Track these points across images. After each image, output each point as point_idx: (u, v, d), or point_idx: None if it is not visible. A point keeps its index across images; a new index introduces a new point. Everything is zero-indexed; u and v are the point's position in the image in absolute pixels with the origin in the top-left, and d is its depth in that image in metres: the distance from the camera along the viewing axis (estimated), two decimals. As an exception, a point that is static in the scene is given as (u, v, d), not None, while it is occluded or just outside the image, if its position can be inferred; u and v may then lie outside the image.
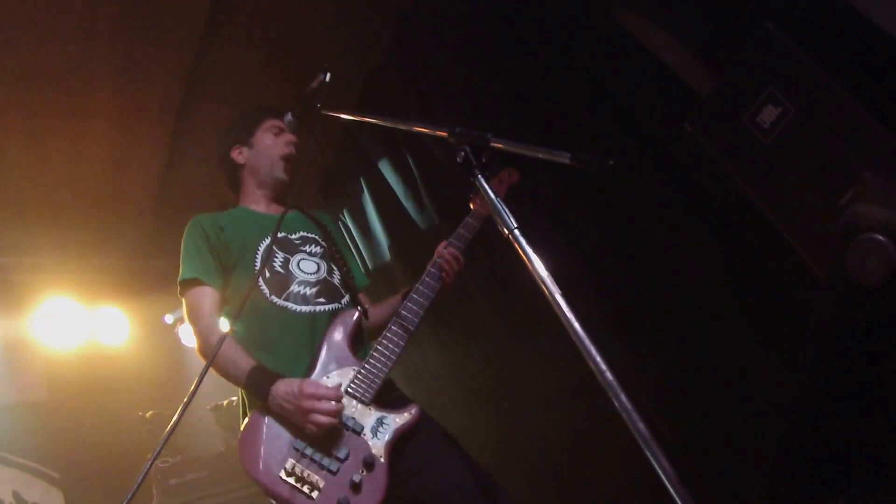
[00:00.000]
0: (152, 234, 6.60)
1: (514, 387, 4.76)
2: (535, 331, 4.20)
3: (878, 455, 1.78)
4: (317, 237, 3.27)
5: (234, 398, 6.28)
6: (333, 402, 2.55)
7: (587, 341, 1.82)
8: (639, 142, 3.41)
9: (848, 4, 2.75)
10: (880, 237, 1.72)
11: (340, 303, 3.05)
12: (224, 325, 3.01)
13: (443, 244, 3.11)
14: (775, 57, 2.79)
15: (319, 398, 2.55)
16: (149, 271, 7.17)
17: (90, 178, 5.59)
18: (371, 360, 2.77)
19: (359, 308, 3.04)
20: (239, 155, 3.37)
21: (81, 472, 6.56)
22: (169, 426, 2.34)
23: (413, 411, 2.76)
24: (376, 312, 3.22)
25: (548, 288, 1.92)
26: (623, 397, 1.72)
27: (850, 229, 1.85)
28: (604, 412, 1.88)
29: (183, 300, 3.01)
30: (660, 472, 1.63)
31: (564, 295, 1.90)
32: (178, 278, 3.00)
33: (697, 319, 3.29)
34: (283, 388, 2.60)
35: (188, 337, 8.22)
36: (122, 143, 5.33)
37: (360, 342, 3.02)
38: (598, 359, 1.79)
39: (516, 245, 2.02)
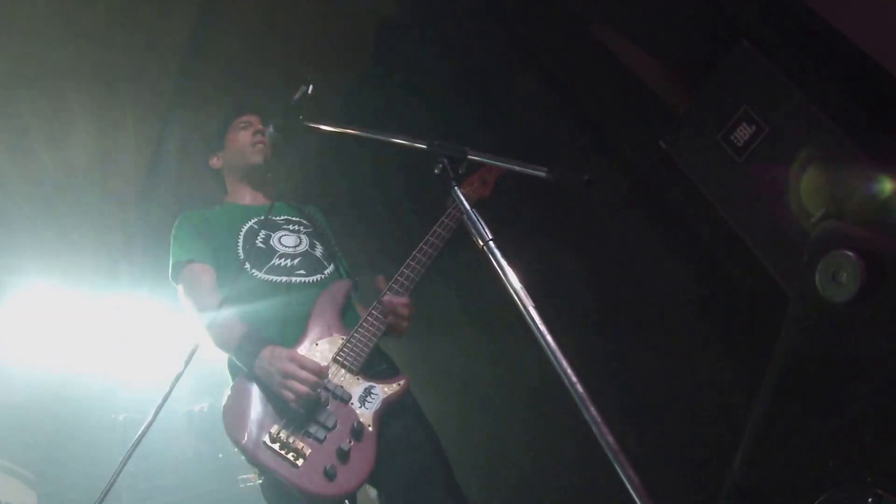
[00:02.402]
0: (134, 233, 6.58)
1: (481, 386, 4.80)
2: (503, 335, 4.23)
3: (841, 467, 1.81)
4: (302, 220, 3.29)
5: (205, 404, 6.27)
6: (314, 377, 2.52)
7: (558, 353, 1.83)
8: (613, 157, 3.45)
9: (825, 24, 2.78)
10: (850, 253, 1.75)
11: (324, 273, 3.05)
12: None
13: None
14: (751, 76, 2.83)
15: (300, 366, 2.52)
16: (124, 272, 7.14)
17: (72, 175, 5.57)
18: (360, 330, 2.77)
19: (349, 279, 3.06)
20: (217, 161, 3.42)
21: (55, 472, 6.50)
22: (141, 430, 2.33)
23: (401, 382, 2.75)
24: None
25: (521, 300, 1.93)
26: (592, 409, 1.74)
27: (820, 245, 1.88)
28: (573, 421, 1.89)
29: (178, 284, 2.99)
30: (626, 483, 1.65)
31: (537, 307, 1.92)
32: (171, 262, 3.00)
33: (665, 333, 3.33)
34: (270, 352, 2.59)
35: (163, 342, 8.19)
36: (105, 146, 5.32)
37: (350, 312, 3.00)
38: (570, 370, 1.80)
39: (490, 257, 2.03)
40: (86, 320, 7.65)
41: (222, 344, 2.75)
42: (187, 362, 2.54)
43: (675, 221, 3.30)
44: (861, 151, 2.58)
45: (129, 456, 2.32)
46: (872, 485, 1.69)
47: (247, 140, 3.29)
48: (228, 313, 2.77)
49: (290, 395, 2.48)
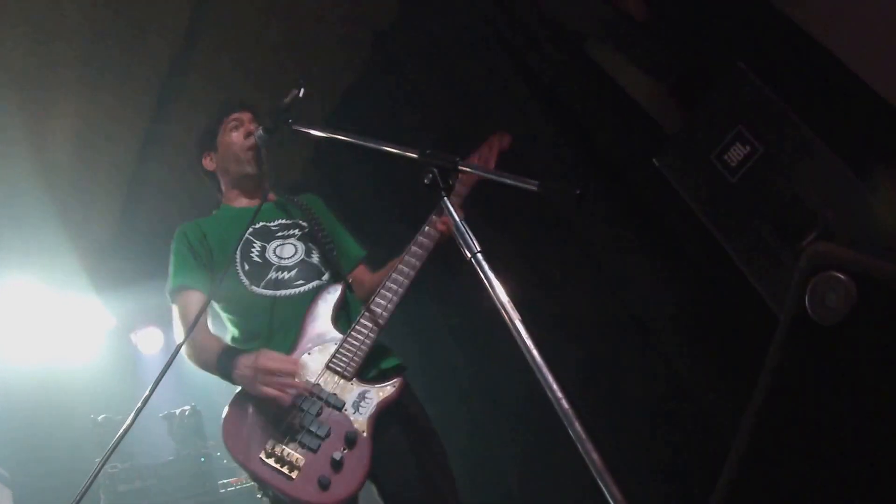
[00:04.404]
0: (116, 235, 6.56)
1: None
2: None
3: (829, 495, 1.80)
4: (297, 221, 3.24)
5: (187, 408, 6.23)
6: (288, 365, 2.57)
7: (544, 368, 1.81)
8: (606, 174, 3.45)
9: (819, 47, 2.79)
10: (840, 275, 1.74)
11: (321, 280, 3.02)
12: (212, 323, 3.04)
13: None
14: (746, 97, 2.83)
15: (275, 361, 2.56)
16: (109, 273, 7.11)
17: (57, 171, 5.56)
18: (353, 335, 2.74)
19: (342, 282, 3.02)
20: (210, 162, 3.36)
21: (32, 471, 6.47)
22: (120, 431, 2.30)
23: (396, 383, 2.73)
24: (376, 278, 3.16)
25: (507, 313, 1.91)
26: (577, 425, 1.72)
27: (810, 266, 1.87)
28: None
29: (173, 307, 3.02)
30: (611, 501, 1.63)
31: (523, 321, 1.90)
32: (169, 282, 3.03)
33: (653, 351, 3.33)
34: (244, 359, 2.62)
35: (145, 344, 8.17)
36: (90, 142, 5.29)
37: (344, 317, 2.96)
38: (555, 386, 1.78)
39: (478, 269, 2.02)
40: (66, 319, 7.63)
41: (204, 366, 2.79)
42: (168, 364, 2.51)
43: (667, 239, 3.31)
44: (852, 174, 2.58)
45: (108, 457, 2.28)
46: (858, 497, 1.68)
47: (238, 142, 3.22)
48: (211, 337, 2.84)
49: (272, 393, 2.51)
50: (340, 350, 2.72)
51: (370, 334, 2.74)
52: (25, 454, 6.64)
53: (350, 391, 2.65)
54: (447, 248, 2.89)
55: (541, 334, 1.85)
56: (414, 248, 2.93)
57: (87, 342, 7.74)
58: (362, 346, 2.72)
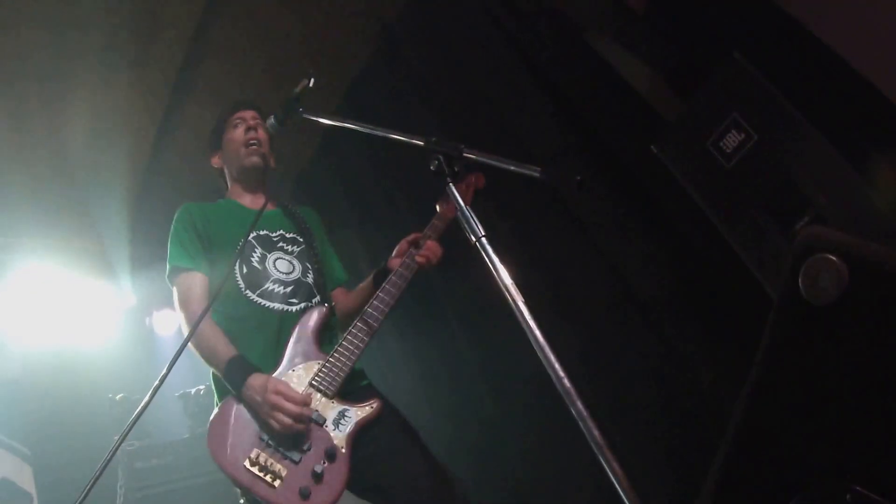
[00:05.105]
0: (132, 219, 6.62)
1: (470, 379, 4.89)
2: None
3: (822, 469, 1.87)
4: (296, 235, 3.31)
5: (202, 387, 6.27)
6: (300, 408, 2.61)
7: (547, 349, 1.85)
8: (605, 161, 3.50)
9: (813, 37, 2.85)
10: (833, 257, 1.80)
11: (311, 303, 3.09)
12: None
13: (406, 241, 3.16)
14: (741, 85, 2.89)
15: (287, 399, 2.60)
16: (127, 256, 7.19)
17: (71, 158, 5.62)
18: (335, 355, 2.82)
19: (325, 304, 3.08)
20: (217, 161, 3.45)
21: (52, 449, 6.50)
22: (137, 409, 2.35)
23: (374, 405, 2.82)
24: (350, 300, 3.28)
25: (511, 296, 1.95)
26: (579, 404, 1.75)
27: (803, 249, 1.93)
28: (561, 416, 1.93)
29: (173, 287, 3.04)
30: (611, 476, 1.69)
31: (527, 303, 1.96)
32: (168, 263, 3.05)
33: (650, 332, 3.39)
34: (257, 381, 2.66)
35: (161, 326, 8.23)
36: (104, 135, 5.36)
37: (326, 337, 3.05)
38: (557, 366, 1.81)
39: (482, 253, 2.07)
40: (85, 302, 7.71)
41: (209, 361, 2.84)
42: (184, 345, 2.57)
43: (664, 224, 3.36)
44: (844, 160, 2.65)
45: (126, 435, 2.28)
46: (852, 481, 1.74)
47: (240, 138, 3.30)
48: (217, 331, 2.86)
49: (277, 426, 2.58)
50: (323, 369, 2.80)
51: (351, 356, 2.83)
52: (46, 432, 6.70)
53: (331, 409, 2.74)
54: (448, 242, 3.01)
55: (540, 318, 1.92)
56: (393, 279, 3.01)
57: (104, 324, 7.81)
58: (343, 367, 2.80)
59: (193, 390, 6.36)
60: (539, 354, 1.86)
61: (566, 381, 1.80)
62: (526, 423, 4.38)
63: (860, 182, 2.66)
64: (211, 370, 2.88)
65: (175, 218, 3.16)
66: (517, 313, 1.94)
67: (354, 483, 2.68)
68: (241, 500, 2.74)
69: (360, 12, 4.80)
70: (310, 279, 3.15)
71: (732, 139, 2.88)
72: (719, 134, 2.92)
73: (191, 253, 3.05)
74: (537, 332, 1.89)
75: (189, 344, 2.82)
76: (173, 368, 2.42)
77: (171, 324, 8.10)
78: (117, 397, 6.28)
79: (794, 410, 1.96)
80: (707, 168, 2.95)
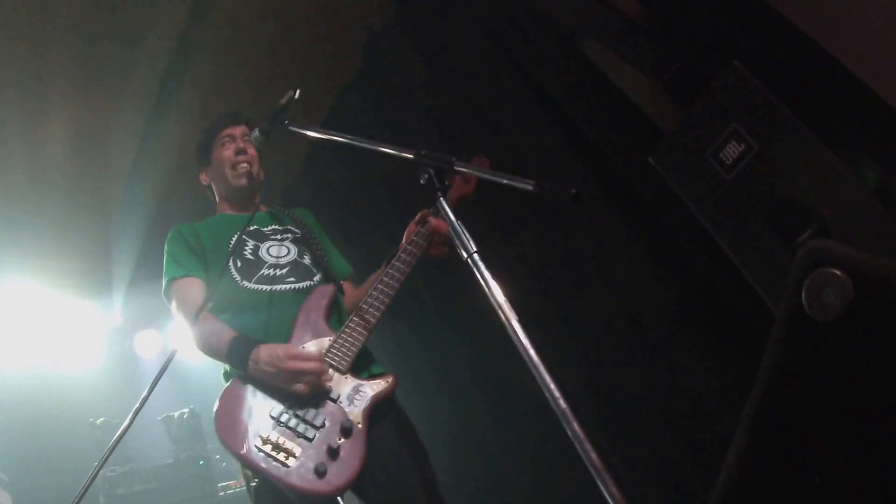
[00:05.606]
0: (111, 238, 6.56)
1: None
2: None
3: (830, 494, 1.80)
4: (290, 227, 3.29)
5: (186, 410, 6.22)
6: (317, 362, 2.56)
7: (541, 367, 1.81)
8: (602, 172, 3.45)
9: (815, 44, 2.79)
10: (837, 271, 1.74)
11: (312, 280, 3.05)
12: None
13: (413, 223, 3.08)
14: (741, 95, 2.84)
15: (303, 359, 2.56)
16: (106, 275, 7.12)
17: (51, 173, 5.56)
18: (346, 330, 2.77)
19: (333, 283, 3.05)
20: (205, 177, 3.44)
21: (31, 475, 6.46)
22: (118, 433, 2.29)
23: (389, 380, 2.76)
24: (360, 292, 3.22)
25: (504, 313, 1.91)
26: (575, 425, 1.71)
27: (807, 263, 1.87)
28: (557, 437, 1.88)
29: (171, 300, 3.01)
30: (609, 501, 1.63)
31: (521, 321, 1.90)
32: (164, 280, 3.02)
33: (650, 348, 3.33)
34: (266, 351, 2.60)
35: (143, 348, 8.16)
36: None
37: (336, 316, 3.01)
38: (552, 385, 1.77)
39: (474, 269, 2.01)
40: (64, 322, 7.63)
41: (212, 351, 2.77)
42: (164, 367, 2.51)
43: (662, 237, 3.31)
44: (848, 171, 2.59)
45: (105, 460, 2.27)
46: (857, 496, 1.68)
47: (229, 159, 3.28)
48: (215, 322, 2.81)
49: (302, 388, 2.53)
50: (335, 344, 2.73)
51: (363, 331, 2.77)
52: (25, 458, 6.63)
53: (344, 384, 2.67)
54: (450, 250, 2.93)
55: (539, 335, 1.86)
56: (402, 256, 2.96)
57: (86, 346, 7.74)
58: (356, 343, 2.74)
59: (177, 414, 6.31)
60: (533, 373, 1.81)
61: (562, 402, 1.74)
62: (524, 443, 4.33)
63: (864, 193, 2.60)
64: (207, 385, 2.83)
65: (167, 240, 3.15)
66: (510, 331, 1.88)
67: None
68: (253, 483, 2.66)
69: (347, 21, 4.75)
70: (307, 260, 3.12)
71: (732, 150, 2.82)
72: (719, 145, 2.86)
73: (182, 263, 3.02)
74: (531, 351, 1.84)
75: (195, 344, 2.81)
76: (156, 392, 2.38)
77: (153, 346, 8.07)
78: (98, 421, 6.21)
79: (798, 429, 1.88)
80: (706, 180, 2.90)
